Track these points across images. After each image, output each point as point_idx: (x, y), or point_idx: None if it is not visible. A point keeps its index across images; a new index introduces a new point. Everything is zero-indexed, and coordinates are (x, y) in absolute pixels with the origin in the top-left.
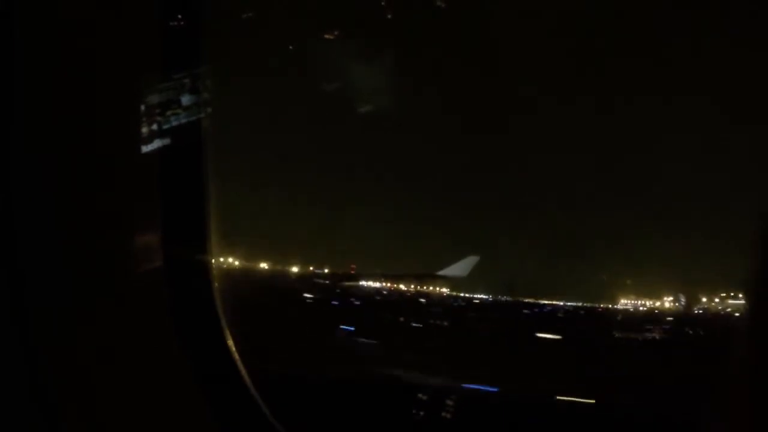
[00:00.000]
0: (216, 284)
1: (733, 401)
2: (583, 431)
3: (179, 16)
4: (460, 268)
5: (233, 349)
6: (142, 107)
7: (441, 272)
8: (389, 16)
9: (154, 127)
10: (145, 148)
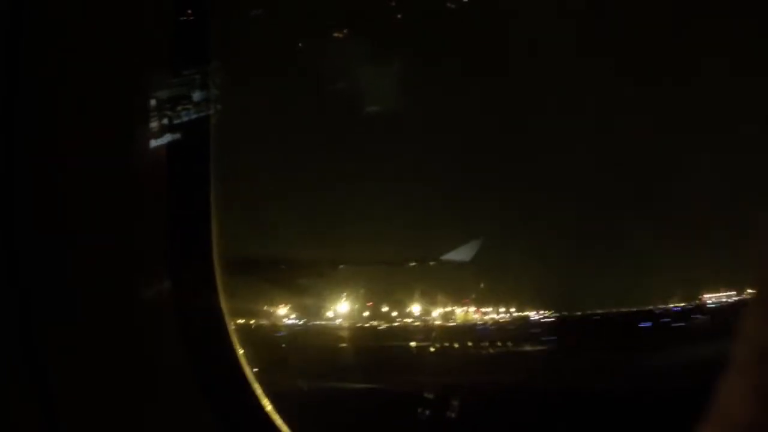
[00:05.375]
0: (221, 285)
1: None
2: None
3: (189, 11)
4: (463, 253)
5: (239, 354)
6: (151, 103)
7: (444, 257)
8: (399, 16)
9: (163, 123)
10: (153, 144)
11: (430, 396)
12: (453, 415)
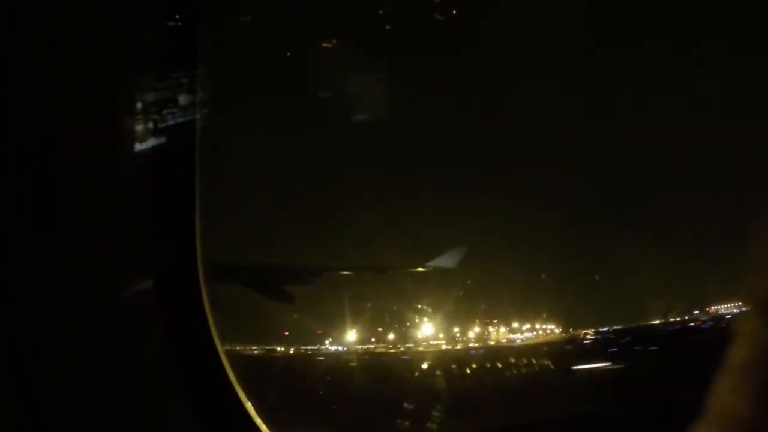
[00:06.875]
0: (204, 287)
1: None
2: None
3: (180, 16)
4: (448, 259)
5: (223, 353)
6: (140, 106)
7: (429, 263)
8: (387, 28)
9: (150, 126)
10: (140, 148)
11: (411, 407)
12: (434, 426)
